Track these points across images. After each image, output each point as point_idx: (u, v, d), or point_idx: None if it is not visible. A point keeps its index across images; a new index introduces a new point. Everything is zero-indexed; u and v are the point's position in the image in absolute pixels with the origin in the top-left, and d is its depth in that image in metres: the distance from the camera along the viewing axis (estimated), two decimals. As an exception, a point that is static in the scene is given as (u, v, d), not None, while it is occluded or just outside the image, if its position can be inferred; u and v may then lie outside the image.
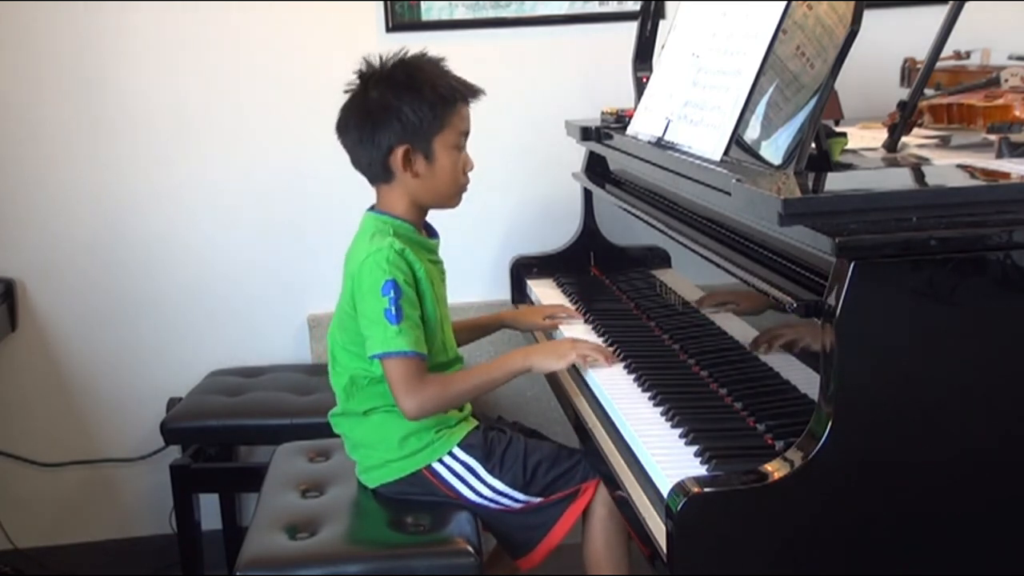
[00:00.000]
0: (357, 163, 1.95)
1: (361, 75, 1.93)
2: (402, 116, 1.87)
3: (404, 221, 1.93)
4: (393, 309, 1.81)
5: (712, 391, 1.77)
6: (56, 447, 2.85)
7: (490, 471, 1.90)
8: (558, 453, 1.93)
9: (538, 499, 1.91)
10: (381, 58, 1.93)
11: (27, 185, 2.74)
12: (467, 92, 1.93)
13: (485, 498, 1.91)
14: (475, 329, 2.27)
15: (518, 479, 1.90)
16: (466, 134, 1.94)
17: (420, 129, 1.88)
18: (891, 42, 2.31)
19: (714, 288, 1.94)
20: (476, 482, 1.90)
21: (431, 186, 1.92)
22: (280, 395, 2.58)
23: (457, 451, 1.91)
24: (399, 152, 1.88)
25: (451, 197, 1.97)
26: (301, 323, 2.84)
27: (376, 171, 1.92)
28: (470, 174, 1.97)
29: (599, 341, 2.06)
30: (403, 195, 1.93)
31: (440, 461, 1.91)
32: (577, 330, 2.15)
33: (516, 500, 1.91)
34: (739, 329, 1.84)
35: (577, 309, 2.30)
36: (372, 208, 1.97)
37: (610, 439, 1.72)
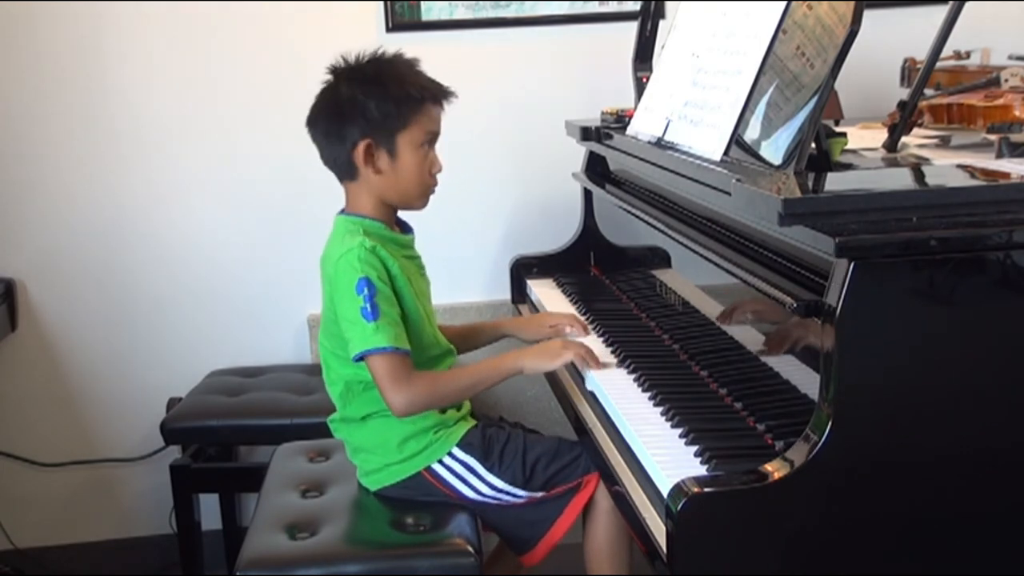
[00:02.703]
0: (325, 158, 1.94)
1: (334, 70, 1.93)
2: (367, 111, 1.86)
3: (374, 220, 1.92)
4: (368, 307, 1.80)
5: (712, 391, 1.77)
6: (56, 447, 2.84)
7: (489, 469, 1.90)
8: (558, 447, 1.93)
9: (539, 494, 1.91)
10: (358, 56, 1.92)
11: (27, 185, 2.74)
12: (437, 92, 1.91)
13: (486, 496, 1.91)
14: (474, 336, 2.22)
15: (517, 476, 1.90)
16: (435, 135, 1.93)
17: (383, 124, 1.87)
18: (891, 42, 2.31)
19: (715, 287, 1.94)
20: (476, 481, 1.90)
21: (394, 184, 1.91)
22: (280, 395, 2.58)
23: (456, 451, 1.91)
24: (361, 147, 1.87)
25: (416, 197, 1.95)
26: (301, 323, 2.84)
27: (342, 167, 1.92)
28: (440, 176, 1.95)
29: (600, 343, 2.05)
30: (369, 193, 1.92)
31: (439, 462, 1.91)
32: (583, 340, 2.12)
33: (517, 496, 1.91)
34: (739, 329, 1.84)
35: (577, 309, 2.29)
36: (342, 211, 1.97)
37: (610, 439, 1.72)
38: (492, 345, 2.29)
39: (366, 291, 1.80)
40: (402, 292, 1.88)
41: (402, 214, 2.02)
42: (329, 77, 1.93)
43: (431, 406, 1.88)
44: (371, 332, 1.80)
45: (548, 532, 1.91)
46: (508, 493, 1.91)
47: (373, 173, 1.90)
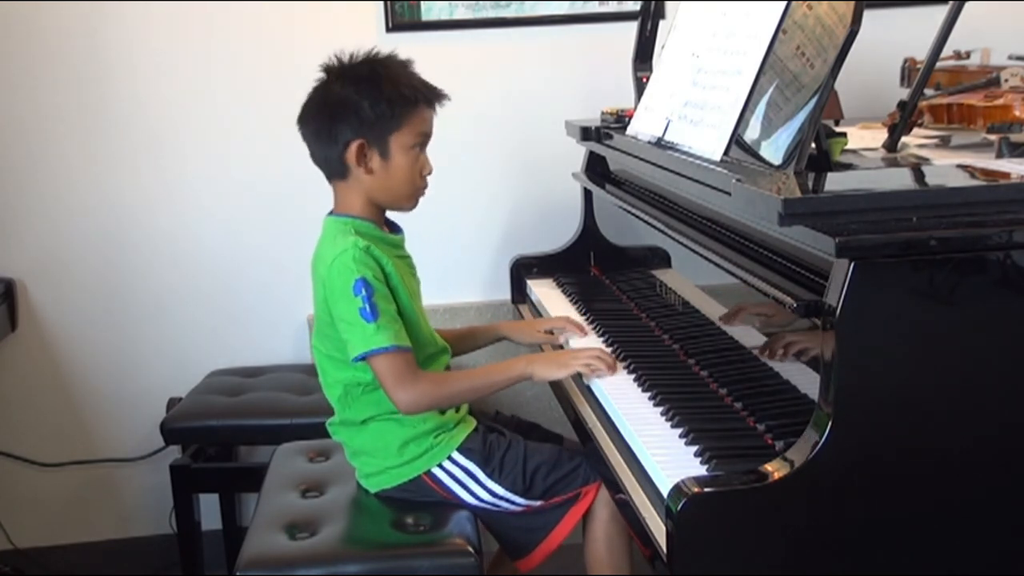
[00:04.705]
0: (315, 157, 1.93)
1: (327, 69, 1.92)
2: (360, 111, 1.85)
3: (364, 220, 1.92)
4: (368, 307, 1.79)
5: (712, 391, 1.77)
6: (56, 447, 2.85)
7: (489, 475, 1.90)
8: (558, 456, 1.93)
9: (538, 502, 1.91)
10: (351, 55, 1.92)
11: (27, 185, 2.74)
12: (430, 95, 1.91)
13: (485, 502, 1.91)
14: (470, 338, 2.22)
15: (517, 483, 1.89)
16: (426, 137, 1.92)
17: (376, 125, 1.86)
18: (891, 42, 2.31)
19: (715, 287, 1.94)
20: (476, 486, 1.90)
21: (385, 184, 1.90)
22: (280, 395, 2.58)
23: (456, 456, 1.90)
24: (354, 147, 1.87)
25: (406, 198, 1.94)
26: (301, 323, 2.84)
27: (333, 166, 1.91)
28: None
29: (600, 343, 2.05)
30: (359, 193, 1.91)
31: (439, 466, 1.90)
32: (583, 341, 2.11)
33: (516, 504, 1.91)
34: (739, 329, 1.84)
35: (577, 309, 2.29)
36: (331, 212, 1.96)
37: (610, 439, 1.72)
38: (488, 350, 2.29)
39: (364, 291, 1.80)
40: (397, 290, 1.87)
41: (393, 216, 2.01)
42: (322, 75, 1.92)
43: (437, 405, 1.88)
44: (372, 332, 1.79)
45: (545, 540, 1.91)
46: (507, 500, 1.91)
47: (364, 173, 1.89)
